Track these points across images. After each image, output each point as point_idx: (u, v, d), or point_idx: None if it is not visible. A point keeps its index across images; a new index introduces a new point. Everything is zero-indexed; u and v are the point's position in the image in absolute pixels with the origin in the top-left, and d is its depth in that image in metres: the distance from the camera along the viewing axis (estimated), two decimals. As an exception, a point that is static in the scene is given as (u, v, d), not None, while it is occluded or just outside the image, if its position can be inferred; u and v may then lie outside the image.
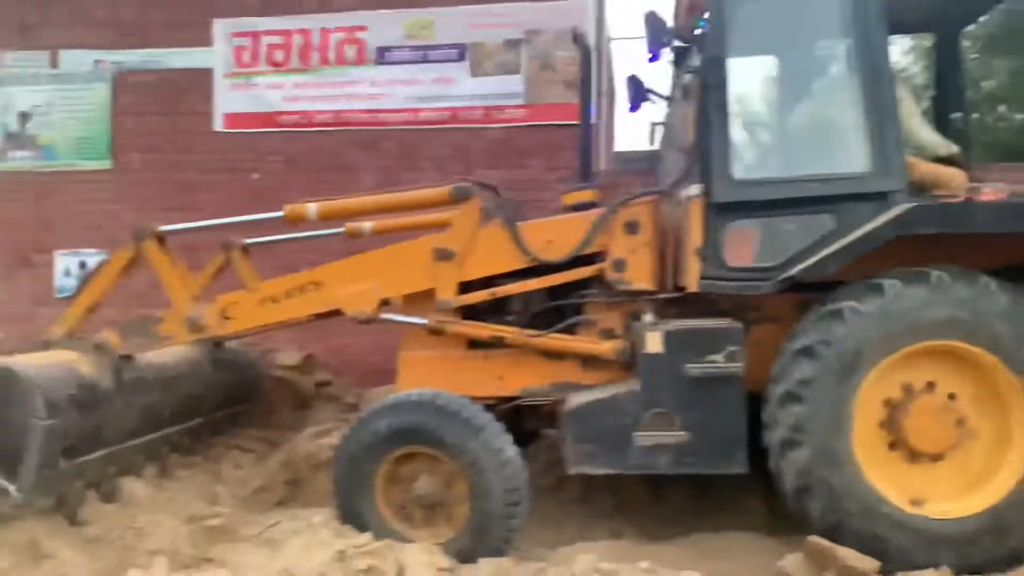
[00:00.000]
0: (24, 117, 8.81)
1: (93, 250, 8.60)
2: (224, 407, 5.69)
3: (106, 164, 8.66)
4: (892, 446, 3.81)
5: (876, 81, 3.93)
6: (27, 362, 4.08)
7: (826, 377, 3.69)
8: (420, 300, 4.47)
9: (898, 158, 3.89)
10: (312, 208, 4.56)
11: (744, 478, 4.07)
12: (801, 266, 3.87)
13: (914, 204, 3.77)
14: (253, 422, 6.10)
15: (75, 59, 8.69)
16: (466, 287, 4.46)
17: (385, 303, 4.52)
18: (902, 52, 17.90)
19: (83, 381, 4.17)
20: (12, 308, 8.50)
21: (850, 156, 4.05)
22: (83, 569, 3.75)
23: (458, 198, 4.40)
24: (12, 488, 3.63)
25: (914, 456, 3.77)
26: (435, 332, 4.43)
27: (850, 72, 4.09)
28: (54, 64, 8.74)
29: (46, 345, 4.49)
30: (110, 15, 8.62)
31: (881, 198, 3.86)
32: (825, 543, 3.54)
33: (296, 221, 4.62)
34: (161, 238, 4.66)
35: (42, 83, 8.77)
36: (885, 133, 3.89)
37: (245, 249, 5.30)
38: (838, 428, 3.69)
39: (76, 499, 4.09)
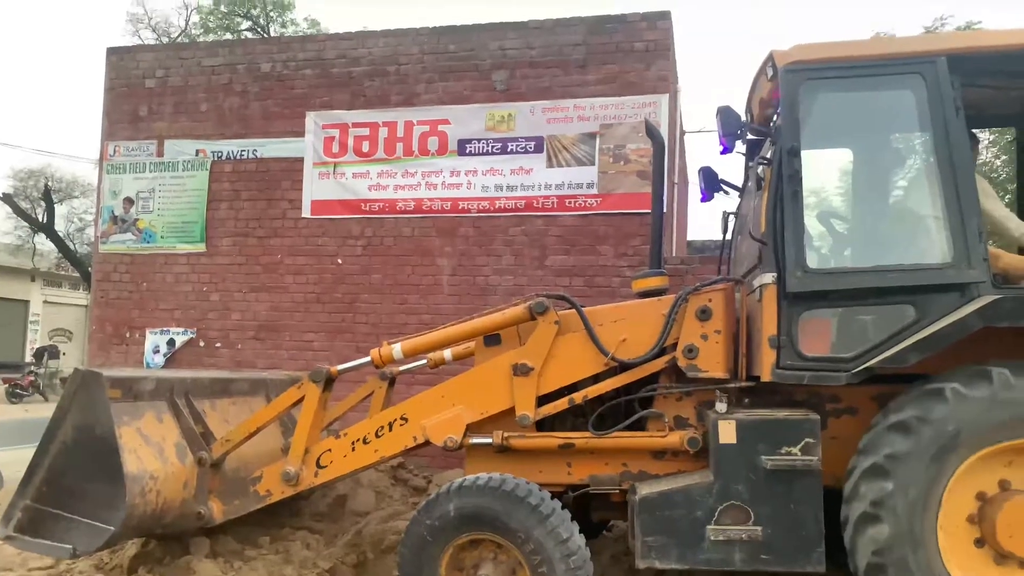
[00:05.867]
0: (129, 202, 9.43)
1: (181, 329, 9.01)
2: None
3: (200, 247, 9.15)
4: (979, 542, 3.62)
5: (957, 173, 3.85)
6: (141, 456, 4.28)
7: (919, 455, 3.55)
8: (500, 417, 4.43)
9: (980, 249, 3.79)
10: (397, 348, 4.64)
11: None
12: (881, 356, 3.76)
13: (1001, 295, 3.66)
14: (323, 503, 6.14)
15: (178, 148, 9.32)
16: (544, 398, 4.42)
17: (472, 427, 4.47)
18: (983, 146, 17.56)
19: (163, 497, 4.38)
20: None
21: (931, 247, 3.97)
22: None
23: (536, 314, 4.39)
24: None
25: (1002, 557, 3.57)
26: (503, 450, 4.38)
27: (929, 164, 4.02)
28: (160, 153, 9.38)
29: (201, 462, 4.63)
30: (213, 107, 9.26)
31: (961, 289, 3.76)
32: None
33: (384, 363, 4.72)
34: (331, 380, 4.70)
35: (148, 171, 9.42)
36: (967, 224, 3.81)
37: (392, 382, 5.46)
38: (924, 510, 3.53)
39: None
